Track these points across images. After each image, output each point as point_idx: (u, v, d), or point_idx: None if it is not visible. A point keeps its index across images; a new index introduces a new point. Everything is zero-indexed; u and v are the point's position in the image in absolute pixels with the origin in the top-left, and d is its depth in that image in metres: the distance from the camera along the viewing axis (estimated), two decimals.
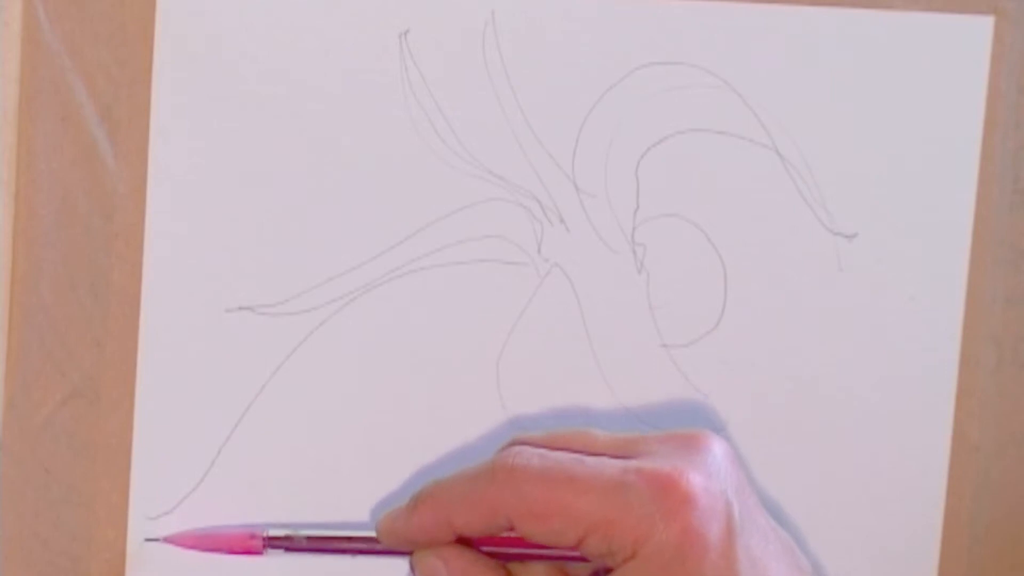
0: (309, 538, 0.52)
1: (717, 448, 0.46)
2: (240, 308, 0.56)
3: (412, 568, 0.48)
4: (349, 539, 0.51)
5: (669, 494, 0.43)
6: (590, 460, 0.45)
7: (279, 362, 0.56)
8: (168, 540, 0.55)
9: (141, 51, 0.55)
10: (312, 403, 0.56)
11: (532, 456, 0.45)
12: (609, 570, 0.44)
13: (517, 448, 0.46)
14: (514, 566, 0.47)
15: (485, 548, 0.47)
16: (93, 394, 0.56)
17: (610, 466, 0.44)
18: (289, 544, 0.52)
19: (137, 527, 0.56)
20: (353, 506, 0.57)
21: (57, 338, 0.56)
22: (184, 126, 0.56)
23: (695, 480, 0.44)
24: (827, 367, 0.58)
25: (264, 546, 0.52)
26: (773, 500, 0.57)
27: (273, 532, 0.52)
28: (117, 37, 0.55)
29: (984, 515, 0.58)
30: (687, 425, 0.57)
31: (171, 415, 0.56)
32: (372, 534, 0.50)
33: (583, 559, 0.45)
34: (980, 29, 0.57)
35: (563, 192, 0.57)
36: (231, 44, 0.56)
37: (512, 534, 0.46)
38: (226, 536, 0.54)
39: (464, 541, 0.47)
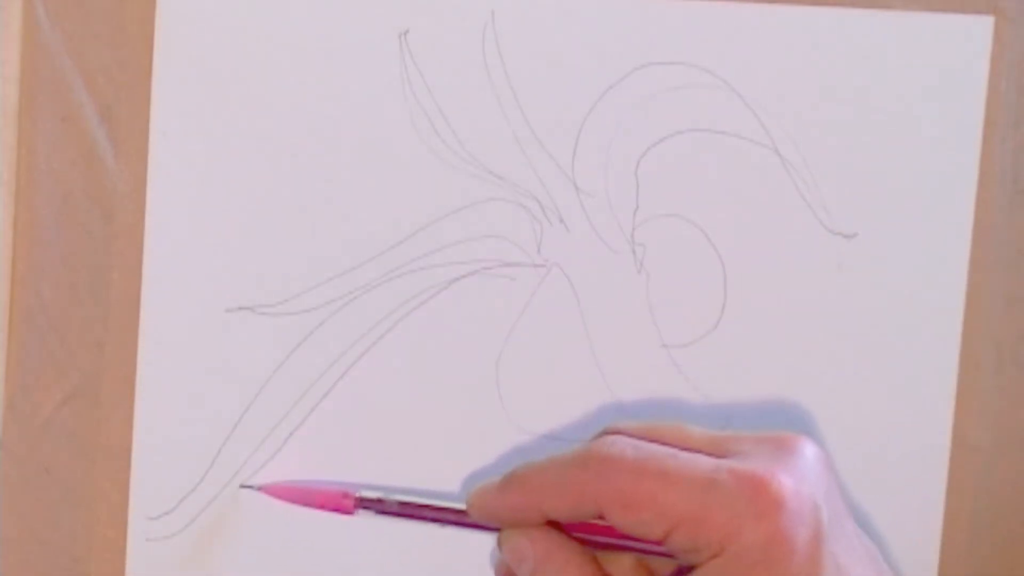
0: (400, 503, 0.52)
1: (810, 452, 0.46)
2: (240, 308, 0.56)
3: (499, 545, 0.48)
4: (439, 509, 0.51)
5: (759, 495, 0.43)
6: (683, 455, 0.45)
7: (279, 362, 0.56)
8: (263, 489, 0.55)
9: (141, 51, 0.55)
10: (312, 403, 0.56)
11: (626, 446, 0.45)
12: (693, 567, 0.44)
13: (612, 437, 0.46)
14: (601, 555, 0.47)
15: (574, 534, 0.47)
16: (93, 394, 0.56)
17: (703, 463, 0.44)
18: (380, 507, 0.52)
19: (137, 527, 0.56)
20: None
21: (57, 338, 0.56)
22: (184, 126, 0.56)
23: (786, 483, 0.43)
24: (827, 367, 0.57)
25: (356, 506, 0.53)
26: None
27: (366, 493, 0.53)
28: (117, 37, 0.55)
29: (984, 515, 0.58)
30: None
31: (171, 415, 0.56)
32: (462, 506, 0.50)
33: (669, 554, 0.45)
34: (980, 29, 0.57)
35: (563, 192, 0.57)
36: (231, 44, 0.56)
37: (601, 522, 0.46)
38: (320, 492, 0.54)
39: (553, 524, 0.47)
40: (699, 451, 0.45)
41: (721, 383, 0.57)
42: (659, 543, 0.45)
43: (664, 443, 0.46)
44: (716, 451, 0.46)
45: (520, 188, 0.57)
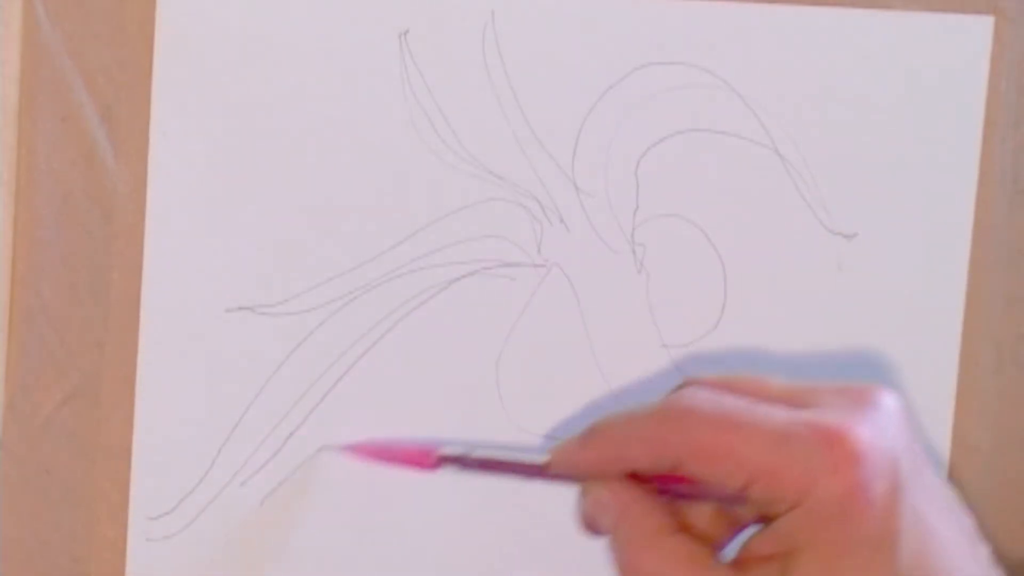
0: (483, 458, 0.52)
1: (889, 403, 0.45)
2: (240, 308, 0.56)
3: (580, 497, 0.48)
4: (521, 463, 0.51)
5: (836, 448, 0.43)
6: (761, 407, 0.44)
7: (279, 362, 0.56)
8: (347, 448, 0.55)
9: (141, 51, 0.55)
10: (312, 403, 0.56)
11: (704, 398, 0.45)
12: (772, 517, 0.44)
13: (690, 389, 0.46)
14: (682, 505, 0.47)
15: (654, 485, 0.47)
16: (93, 394, 0.56)
17: (780, 415, 0.44)
18: (462, 463, 0.52)
19: (137, 527, 0.56)
20: (353, 505, 0.57)
21: (57, 338, 0.56)
22: (184, 126, 0.56)
23: (863, 435, 0.43)
24: (827, 367, 0.58)
25: (438, 462, 0.52)
26: None
27: (448, 450, 0.52)
28: (117, 37, 0.55)
29: (984, 515, 0.58)
30: None
31: (171, 415, 0.56)
32: (544, 460, 0.50)
33: (746, 506, 0.45)
34: (980, 29, 0.57)
35: (563, 192, 0.57)
36: (231, 44, 0.56)
37: (681, 476, 0.46)
38: (403, 450, 0.54)
39: (634, 476, 0.47)
40: (777, 402, 0.45)
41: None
42: (737, 496, 0.45)
43: (742, 394, 0.46)
44: (794, 402, 0.45)
45: (520, 188, 0.57)
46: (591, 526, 0.48)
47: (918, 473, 0.45)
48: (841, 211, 0.57)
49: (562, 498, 0.49)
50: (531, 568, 0.57)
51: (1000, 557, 0.51)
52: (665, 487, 0.47)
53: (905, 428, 0.45)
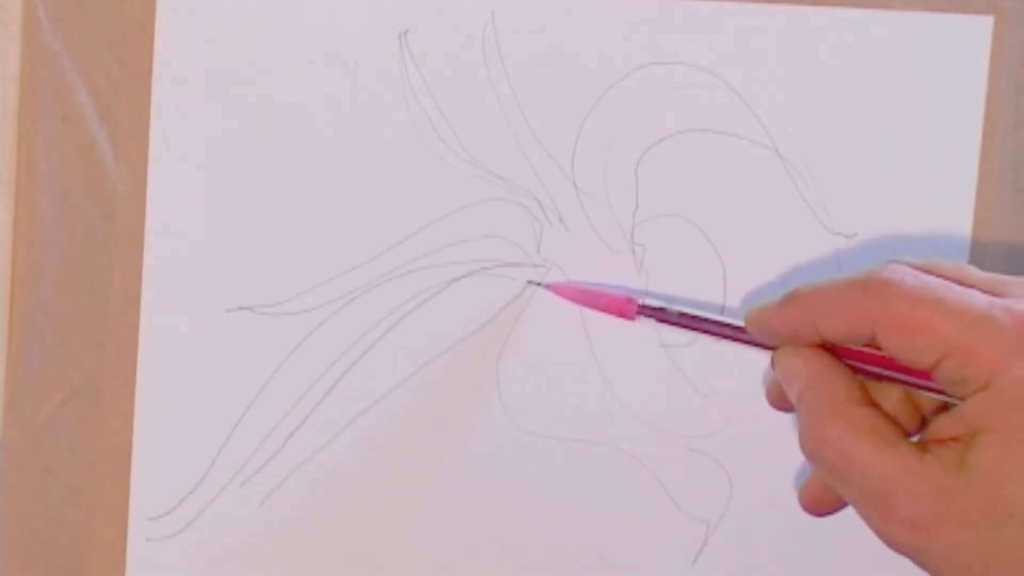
0: (681, 313, 0.53)
1: None
2: (240, 308, 0.56)
3: (772, 363, 0.49)
4: (718, 323, 0.52)
5: None
6: (960, 288, 0.45)
7: (279, 362, 0.56)
8: (551, 287, 0.56)
9: (141, 51, 0.55)
10: (312, 403, 0.56)
11: (907, 274, 0.45)
12: (955, 405, 0.45)
13: (893, 264, 0.46)
14: (870, 385, 0.48)
15: (846, 359, 0.47)
16: (93, 394, 0.56)
17: (979, 298, 0.45)
18: (661, 316, 0.54)
19: (137, 527, 0.56)
20: (354, 505, 0.57)
21: (57, 338, 0.56)
22: (184, 126, 0.56)
23: None
24: None
25: (638, 312, 0.54)
26: (774, 499, 0.57)
27: (649, 301, 0.54)
28: (117, 37, 0.55)
29: None
30: (685, 424, 0.57)
31: (171, 415, 0.56)
32: (740, 322, 0.51)
33: (936, 389, 0.46)
34: (980, 29, 0.57)
35: (563, 192, 0.57)
36: (231, 44, 0.56)
37: (874, 351, 0.46)
38: (606, 295, 0.55)
39: (827, 349, 0.48)
40: (977, 289, 0.46)
41: (721, 383, 0.57)
42: (927, 374, 0.45)
43: (945, 278, 0.46)
44: (994, 291, 0.46)
45: (520, 188, 0.57)
46: (778, 396, 0.49)
47: None
48: (841, 211, 0.57)
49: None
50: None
51: None
52: (857, 364, 0.47)
53: None
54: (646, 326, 0.55)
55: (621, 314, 0.55)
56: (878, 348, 0.46)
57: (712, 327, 0.52)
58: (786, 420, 0.57)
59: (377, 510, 0.57)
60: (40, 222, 0.56)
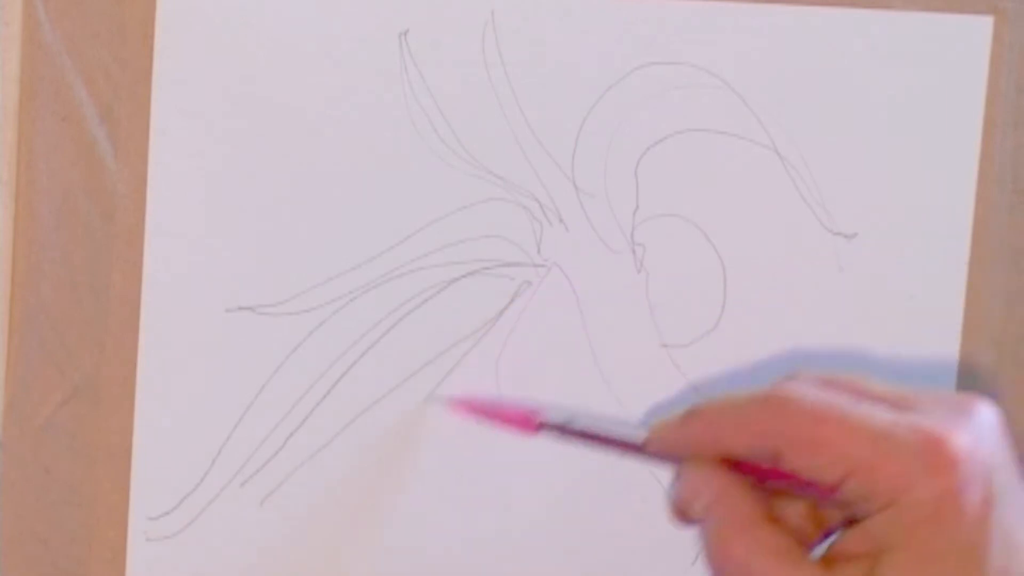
0: (583, 429, 0.52)
1: (987, 415, 0.46)
2: (240, 308, 0.56)
3: (675, 478, 0.48)
4: (619, 439, 0.51)
5: (935, 452, 0.43)
6: (864, 404, 0.45)
7: (279, 362, 0.56)
8: (452, 403, 0.55)
9: (141, 51, 0.55)
10: (312, 403, 0.56)
11: (808, 390, 0.45)
12: (863, 518, 0.44)
13: (794, 380, 0.46)
14: (775, 500, 0.47)
15: (749, 476, 0.47)
16: (93, 394, 0.56)
17: (882, 414, 0.44)
18: (563, 430, 0.52)
19: (137, 527, 0.56)
20: (353, 505, 0.57)
21: (57, 338, 0.56)
22: (184, 126, 0.56)
23: (962, 442, 0.43)
24: (827, 367, 0.57)
25: (539, 427, 0.53)
26: None
27: (551, 416, 0.53)
28: (117, 37, 0.55)
29: None
30: None
31: (171, 415, 0.56)
32: (643, 437, 0.49)
33: (840, 503, 0.45)
34: (979, 29, 0.57)
35: (563, 192, 0.57)
36: (231, 44, 0.56)
37: (777, 467, 0.46)
38: (507, 410, 0.54)
39: (730, 464, 0.47)
40: (879, 403, 0.45)
41: (721, 383, 0.57)
42: (831, 490, 0.45)
43: (845, 392, 0.46)
44: (896, 405, 0.46)
45: (520, 188, 0.57)
46: (682, 512, 0.48)
47: (1011, 488, 0.45)
48: (841, 211, 0.57)
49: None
50: None
51: None
52: (761, 479, 0.47)
53: (1002, 441, 0.46)
54: (647, 327, 0.55)
55: (523, 428, 0.53)
56: (782, 464, 0.45)
57: (614, 442, 0.50)
58: None
59: (377, 510, 0.57)
60: (40, 222, 0.56)
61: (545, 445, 0.57)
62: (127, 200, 0.56)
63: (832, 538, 0.46)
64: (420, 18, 0.56)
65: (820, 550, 0.46)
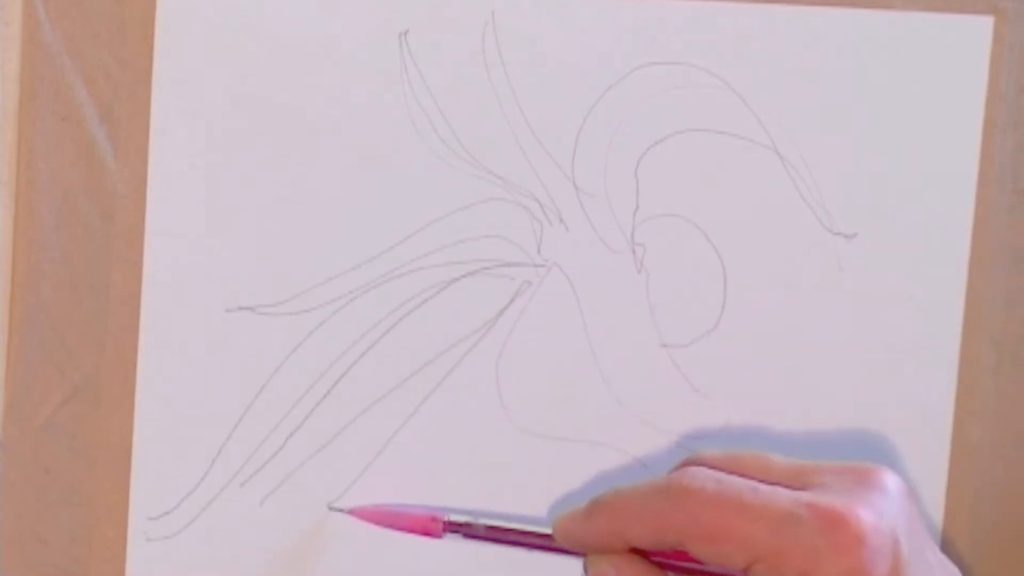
0: (488, 527, 0.53)
1: (891, 484, 0.46)
2: (240, 308, 0.56)
3: (585, 571, 0.49)
4: (526, 533, 0.52)
5: (838, 530, 0.44)
6: (764, 488, 0.45)
7: (279, 362, 0.56)
8: (352, 512, 0.55)
9: (141, 51, 0.55)
10: (312, 403, 0.56)
11: (707, 479, 0.46)
12: None
13: (693, 469, 0.47)
14: None
15: (657, 560, 0.48)
16: (93, 394, 0.56)
17: (783, 496, 0.45)
18: (468, 531, 0.53)
19: (137, 527, 0.56)
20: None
21: (57, 338, 0.56)
22: (184, 126, 0.56)
23: (865, 518, 0.44)
24: (827, 367, 0.57)
25: (444, 530, 0.54)
26: None
27: (454, 517, 0.54)
28: (117, 37, 0.55)
29: (984, 515, 0.58)
30: (685, 424, 0.57)
31: (171, 415, 0.56)
32: (548, 531, 0.50)
33: None
34: (979, 29, 0.57)
35: (563, 192, 0.57)
36: (231, 44, 0.56)
37: (683, 555, 0.47)
38: (409, 516, 0.55)
39: (638, 551, 0.48)
40: (779, 482, 0.46)
41: (721, 383, 0.57)
42: (740, 575, 0.45)
43: (745, 474, 0.46)
44: (796, 482, 0.46)
45: (520, 188, 0.57)
46: None
47: (919, 554, 0.46)
48: (841, 211, 0.57)
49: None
50: None
51: (1000, 556, 0.51)
52: (668, 563, 0.47)
53: (907, 509, 0.46)
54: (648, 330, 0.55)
55: (427, 533, 0.54)
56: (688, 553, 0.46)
57: (521, 538, 0.52)
58: (787, 420, 0.57)
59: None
60: (40, 222, 0.56)
61: (549, 446, 0.57)
62: (127, 200, 0.56)
63: None
64: (420, 18, 0.56)
65: None
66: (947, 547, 0.58)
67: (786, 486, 0.46)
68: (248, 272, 0.56)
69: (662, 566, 0.48)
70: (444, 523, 0.54)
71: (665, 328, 0.57)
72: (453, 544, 0.54)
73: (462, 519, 0.54)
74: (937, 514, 0.58)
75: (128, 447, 0.56)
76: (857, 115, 0.57)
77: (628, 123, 0.57)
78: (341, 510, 0.56)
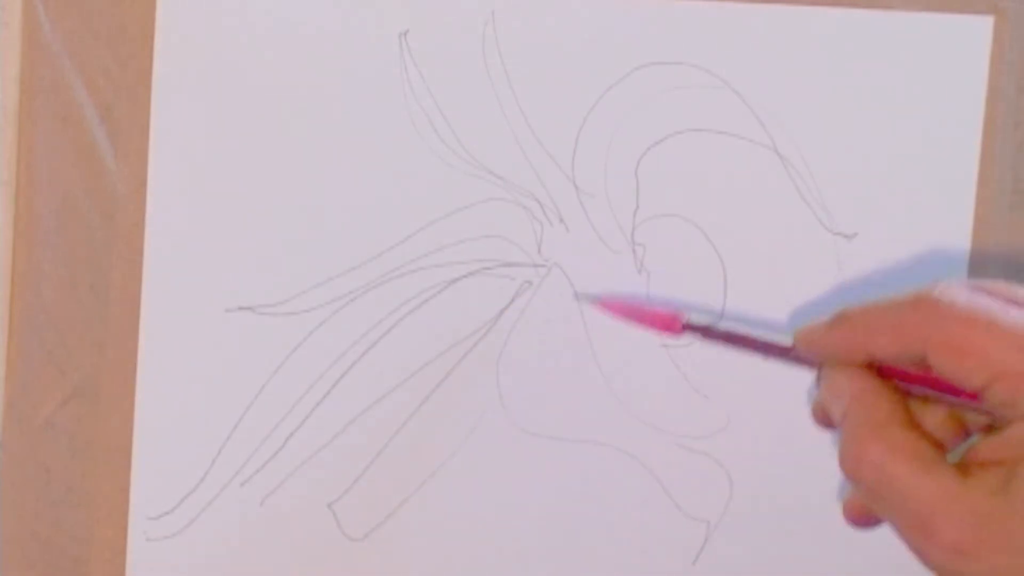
0: (726, 332, 0.52)
1: None
2: (240, 308, 0.56)
3: (817, 381, 0.48)
4: (764, 341, 0.51)
5: None
6: (1014, 310, 0.44)
7: (279, 362, 0.56)
8: (600, 303, 0.56)
9: (141, 51, 0.55)
10: (312, 403, 0.56)
11: (959, 293, 0.45)
12: (1004, 426, 0.44)
13: (945, 283, 0.46)
14: (915, 405, 0.47)
15: (892, 378, 0.47)
16: (93, 394, 0.56)
17: None
18: (707, 332, 0.53)
19: (137, 527, 0.56)
20: (356, 505, 0.57)
21: (57, 338, 0.56)
22: (184, 126, 0.56)
23: None
24: None
25: (684, 328, 0.53)
26: (774, 499, 0.57)
27: (695, 319, 0.54)
28: (117, 37, 0.55)
29: None
30: (685, 424, 0.57)
31: (171, 415, 0.56)
32: (788, 341, 0.50)
33: (982, 409, 0.45)
34: (980, 29, 0.57)
35: (563, 192, 0.57)
36: (231, 44, 0.56)
37: (921, 371, 0.46)
38: (651, 312, 0.54)
39: (873, 367, 0.47)
40: None
41: (721, 383, 0.57)
42: (975, 396, 0.44)
43: (995, 297, 0.45)
44: None
45: (520, 188, 0.57)
46: (821, 415, 0.48)
47: None
48: (841, 211, 0.57)
49: None
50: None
51: None
52: (904, 383, 0.47)
53: None
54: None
55: (667, 329, 0.54)
56: (926, 367, 0.45)
57: (759, 345, 0.51)
58: (787, 420, 0.57)
59: (376, 510, 0.57)
60: (40, 222, 0.56)
61: (549, 446, 0.57)
62: (127, 200, 0.56)
63: (968, 443, 0.46)
64: (420, 18, 0.56)
65: (955, 456, 0.46)
66: None
67: None
68: (248, 272, 0.56)
69: (897, 387, 0.47)
70: (685, 322, 0.53)
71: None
72: (464, 547, 0.54)
73: (703, 320, 0.53)
74: None
75: (128, 447, 0.56)
76: (857, 115, 0.57)
77: (628, 123, 0.57)
78: (589, 299, 0.56)
